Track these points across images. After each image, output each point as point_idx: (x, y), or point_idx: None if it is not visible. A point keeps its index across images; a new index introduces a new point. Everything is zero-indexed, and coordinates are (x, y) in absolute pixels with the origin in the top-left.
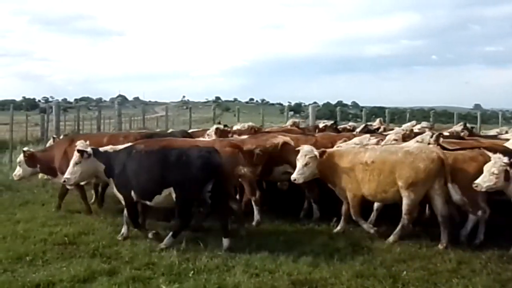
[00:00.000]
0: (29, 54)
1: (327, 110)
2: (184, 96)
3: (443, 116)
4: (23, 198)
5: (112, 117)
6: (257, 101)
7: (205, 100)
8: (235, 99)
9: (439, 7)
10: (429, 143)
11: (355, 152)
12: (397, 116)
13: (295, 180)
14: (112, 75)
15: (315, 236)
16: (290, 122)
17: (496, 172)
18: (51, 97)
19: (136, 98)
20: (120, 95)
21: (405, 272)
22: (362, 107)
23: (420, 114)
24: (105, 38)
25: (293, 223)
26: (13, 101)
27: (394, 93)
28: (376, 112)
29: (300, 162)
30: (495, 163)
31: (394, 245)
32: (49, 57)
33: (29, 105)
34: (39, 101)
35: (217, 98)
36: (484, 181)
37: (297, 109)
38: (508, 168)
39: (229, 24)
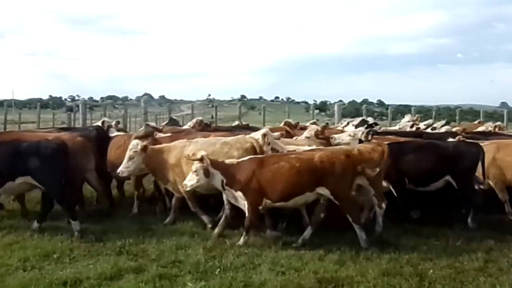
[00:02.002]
0: (56, 53)
1: (353, 108)
2: (209, 95)
3: (469, 114)
4: None
5: (138, 115)
6: (282, 99)
7: (231, 99)
8: (261, 98)
9: (464, 5)
10: (360, 139)
11: (182, 146)
12: (422, 114)
13: (120, 173)
14: (138, 73)
15: (341, 234)
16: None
17: (194, 169)
18: (78, 95)
19: (162, 97)
20: (146, 94)
21: (431, 271)
22: (388, 105)
23: (446, 112)
24: (131, 37)
25: None
26: (40, 100)
27: (420, 91)
28: (402, 110)
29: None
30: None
31: (421, 244)
32: (76, 56)
33: (56, 103)
34: (66, 99)
35: (243, 96)
36: (189, 181)
37: (323, 107)
38: (203, 164)
39: (254, 23)
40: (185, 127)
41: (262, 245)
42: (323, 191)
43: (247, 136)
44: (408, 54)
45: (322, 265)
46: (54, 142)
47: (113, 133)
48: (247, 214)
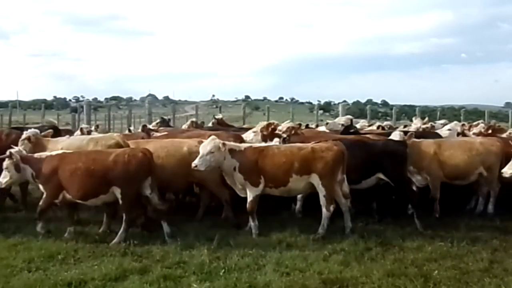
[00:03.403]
0: (61, 54)
1: (357, 109)
2: (213, 95)
3: (473, 114)
4: None
5: (143, 116)
6: (286, 100)
7: (235, 99)
8: (265, 98)
9: (469, 5)
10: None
11: (68, 143)
12: (427, 114)
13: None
14: (142, 74)
15: (346, 235)
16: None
17: (5, 166)
18: (82, 96)
19: (166, 97)
20: (150, 94)
21: (436, 271)
22: (392, 105)
23: (450, 112)
24: (136, 38)
25: None
26: (44, 101)
27: (424, 91)
28: (406, 110)
29: None
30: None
31: (425, 244)
32: (81, 57)
33: (60, 104)
34: (70, 100)
35: (247, 97)
36: (2, 178)
37: (327, 107)
38: (12, 160)
39: (258, 23)
40: (183, 127)
41: (266, 245)
42: (116, 191)
43: (114, 134)
44: (412, 54)
45: (327, 265)
46: None
47: None
48: (40, 202)
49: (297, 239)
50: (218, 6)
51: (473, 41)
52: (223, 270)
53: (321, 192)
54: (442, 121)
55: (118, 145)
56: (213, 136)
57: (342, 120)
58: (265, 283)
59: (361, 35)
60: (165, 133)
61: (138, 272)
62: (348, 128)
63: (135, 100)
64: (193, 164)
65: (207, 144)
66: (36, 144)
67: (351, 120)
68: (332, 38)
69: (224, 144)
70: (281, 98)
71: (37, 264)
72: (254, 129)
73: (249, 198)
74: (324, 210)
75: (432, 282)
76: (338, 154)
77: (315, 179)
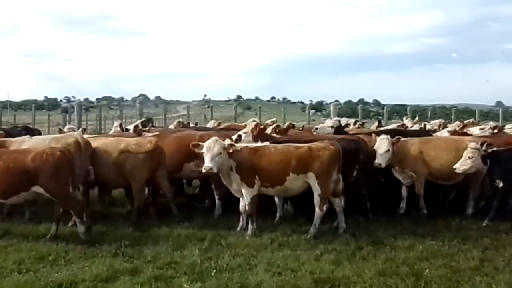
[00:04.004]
0: (52, 54)
1: (349, 108)
2: (205, 95)
3: (464, 113)
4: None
5: (134, 116)
6: (278, 99)
7: (227, 99)
8: (257, 98)
9: (460, 5)
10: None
11: (21, 141)
12: (418, 113)
13: None
14: (134, 74)
15: (337, 234)
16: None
17: None
18: (73, 96)
19: (158, 97)
20: (141, 94)
21: (427, 270)
22: (384, 105)
23: (441, 112)
24: (127, 38)
25: None
26: (35, 101)
27: (416, 91)
28: (398, 110)
29: None
30: None
31: (417, 243)
32: (72, 57)
33: (51, 104)
34: (61, 100)
35: (239, 96)
36: None
37: (319, 107)
38: None
39: (250, 23)
40: (170, 127)
41: (258, 245)
42: (39, 190)
43: (75, 133)
44: (404, 54)
45: (319, 265)
46: None
47: None
48: None
49: (289, 239)
50: (209, 6)
51: (464, 41)
52: (214, 271)
53: (316, 191)
54: (437, 121)
55: (77, 143)
56: (215, 137)
57: (330, 123)
58: (257, 283)
59: (353, 35)
60: (156, 133)
61: (129, 273)
62: (339, 129)
63: (126, 100)
64: (205, 167)
65: (213, 146)
66: None
67: (339, 121)
68: (324, 38)
69: (231, 145)
70: (273, 97)
71: (28, 265)
72: (244, 130)
73: (247, 201)
74: (317, 209)
75: (423, 281)
76: (334, 153)
77: (311, 178)
